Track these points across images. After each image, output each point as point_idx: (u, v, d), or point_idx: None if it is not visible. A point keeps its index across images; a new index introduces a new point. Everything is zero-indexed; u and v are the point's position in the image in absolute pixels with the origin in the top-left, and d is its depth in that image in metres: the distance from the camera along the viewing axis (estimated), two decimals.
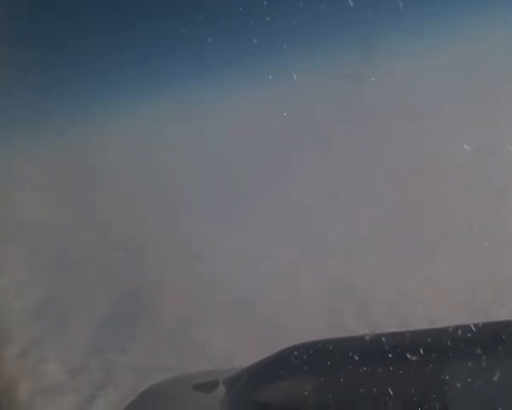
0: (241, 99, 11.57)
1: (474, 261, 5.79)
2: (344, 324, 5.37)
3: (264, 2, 6.01)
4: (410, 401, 1.97)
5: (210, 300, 5.99)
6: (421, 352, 2.01)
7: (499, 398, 1.90)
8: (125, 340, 5.76)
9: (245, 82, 11.34)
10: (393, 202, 7.29)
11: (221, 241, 7.22)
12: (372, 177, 8.08)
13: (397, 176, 7.81)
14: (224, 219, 7.75)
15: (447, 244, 6.15)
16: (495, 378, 1.94)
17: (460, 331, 2.09)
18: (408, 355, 2.02)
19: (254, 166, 8.74)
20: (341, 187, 7.57)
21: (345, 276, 6.10)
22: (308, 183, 8.14)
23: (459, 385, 1.95)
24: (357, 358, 2.09)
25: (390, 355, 2.07)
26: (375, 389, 2.01)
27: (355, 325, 5.28)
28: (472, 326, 2.08)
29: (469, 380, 1.94)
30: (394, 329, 2.31)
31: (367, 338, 2.32)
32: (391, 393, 1.96)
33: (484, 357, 1.97)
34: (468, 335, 2.06)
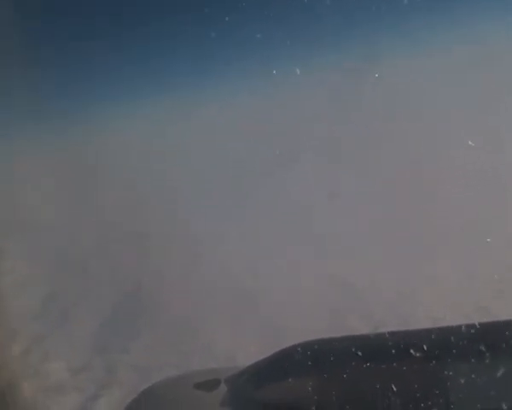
0: (244, 95, 11.55)
1: (475, 261, 5.80)
2: (345, 323, 5.38)
3: None
4: (412, 400, 1.98)
5: (213, 299, 6.00)
6: (423, 350, 2.03)
7: (501, 396, 1.91)
8: (128, 338, 5.78)
9: (248, 77, 11.31)
10: (394, 201, 7.30)
11: (223, 240, 7.24)
12: (373, 176, 8.08)
13: (397, 175, 7.81)
14: (225, 219, 7.76)
15: (448, 243, 6.16)
16: (496, 377, 1.95)
17: (461, 330, 2.10)
18: (410, 353, 2.03)
19: (257, 163, 8.74)
20: (343, 186, 7.58)
21: (345, 276, 6.11)
22: (310, 182, 8.14)
23: (461, 384, 1.96)
24: (358, 356, 2.10)
25: (391, 353, 2.08)
26: (376, 388, 2.02)
27: (356, 325, 5.29)
28: (473, 325, 2.10)
29: (471, 378, 1.96)
30: (395, 328, 2.33)
31: (368, 337, 2.34)
32: (393, 391, 1.97)
33: (486, 355, 1.98)
34: (470, 333, 2.07)
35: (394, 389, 1.96)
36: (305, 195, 7.83)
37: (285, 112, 9.11)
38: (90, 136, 9.97)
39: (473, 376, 1.95)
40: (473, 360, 1.99)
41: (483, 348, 1.97)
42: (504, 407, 1.84)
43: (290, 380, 2.19)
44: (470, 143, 6.46)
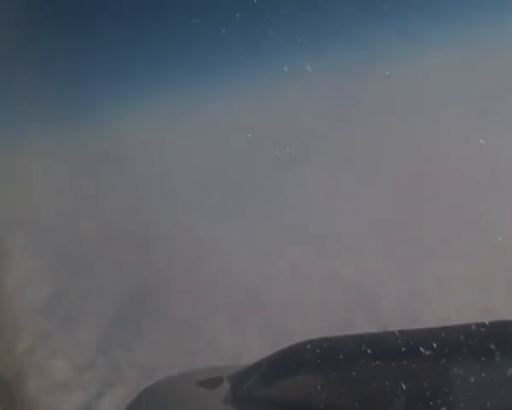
0: (252, 93, 11.50)
1: (483, 261, 5.74)
2: (350, 323, 5.34)
3: None
4: (421, 398, 1.95)
5: (217, 298, 5.99)
6: (433, 348, 2.00)
7: (507, 395, 1.88)
8: (133, 337, 5.77)
9: (256, 75, 11.25)
10: (400, 200, 7.24)
11: (227, 240, 7.22)
12: (380, 176, 8.02)
13: (404, 175, 7.75)
14: (229, 219, 7.74)
15: (456, 243, 6.10)
16: (507, 375, 1.92)
17: (471, 328, 2.08)
18: (419, 351, 2.01)
19: (265, 161, 8.71)
20: (348, 186, 7.54)
21: (349, 276, 6.06)
22: (314, 181, 8.10)
23: (470, 382, 1.93)
24: (363, 355, 2.07)
25: (397, 352, 2.06)
26: (381, 387, 1.99)
27: (362, 324, 5.25)
28: (483, 324, 2.07)
29: (481, 376, 1.93)
30: (401, 328, 2.31)
31: (373, 335, 2.32)
32: (402, 390, 1.94)
33: (496, 354, 1.95)
34: (480, 332, 2.04)
35: (403, 387, 1.93)
36: (309, 194, 7.79)
37: (292, 110, 9.07)
38: (92, 135, 9.98)
39: (482, 374, 1.92)
40: (482, 359, 1.95)
41: (493, 346, 1.94)
42: None
43: (293, 378, 2.18)
44: (481, 141, 6.39)
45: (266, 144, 8.15)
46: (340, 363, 2.11)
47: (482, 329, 2.05)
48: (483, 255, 5.67)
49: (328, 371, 2.13)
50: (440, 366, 1.97)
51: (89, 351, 5.62)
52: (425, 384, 1.93)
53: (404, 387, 1.92)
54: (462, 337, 2.02)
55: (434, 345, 1.98)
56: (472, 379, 1.91)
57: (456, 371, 1.93)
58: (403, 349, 2.06)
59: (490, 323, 2.09)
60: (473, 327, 2.09)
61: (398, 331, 2.19)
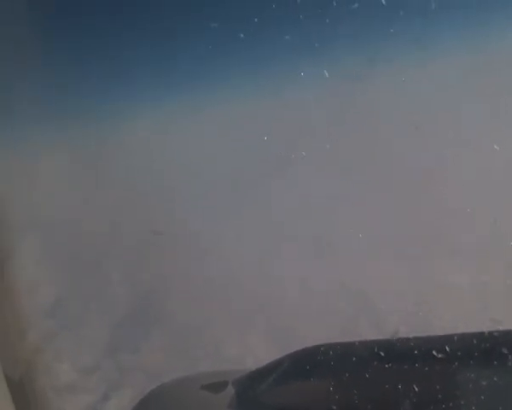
0: (266, 96, 11.51)
1: (496, 267, 5.65)
2: (355, 329, 5.28)
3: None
4: (430, 403, 1.92)
5: (224, 302, 5.96)
6: (446, 353, 1.96)
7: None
8: (139, 340, 5.76)
9: (274, 79, 11.26)
10: (413, 206, 7.17)
11: (233, 243, 7.20)
12: (386, 180, 7.96)
13: (410, 180, 7.68)
14: (236, 221, 7.72)
15: (470, 248, 6.02)
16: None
17: (483, 335, 2.05)
18: (427, 356, 1.97)
19: (268, 164, 8.70)
20: (354, 188, 7.50)
21: (355, 282, 6.00)
22: (322, 183, 8.05)
23: (483, 387, 1.89)
24: (367, 361, 2.04)
25: (410, 357, 2.03)
26: (385, 393, 1.96)
27: (366, 331, 5.19)
28: (495, 331, 2.04)
29: (494, 381, 1.89)
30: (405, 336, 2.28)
31: (385, 341, 2.28)
32: (410, 394, 1.91)
33: (508, 359, 1.90)
34: (493, 338, 2.01)
35: (416, 390, 1.90)
36: (315, 197, 7.75)
37: (305, 113, 9.05)
38: (92, 136, 10.03)
39: (495, 378, 1.88)
40: (495, 363, 1.91)
41: (505, 350, 1.91)
42: None
43: (298, 384, 2.14)
44: (495, 147, 6.30)
45: (278, 146, 8.14)
46: (346, 369, 2.08)
47: (495, 334, 2.02)
48: (496, 261, 5.58)
49: (333, 376, 2.09)
50: (453, 370, 1.93)
51: (95, 353, 5.61)
52: (437, 388, 1.89)
53: (416, 390, 1.90)
54: (474, 342, 1.98)
55: (447, 349, 1.94)
56: (484, 383, 1.88)
57: (468, 375, 1.90)
58: (416, 353, 2.03)
59: (503, 329, 2.07)
60: (485, 333, 2.06)
61: (412, 337, 2.17)
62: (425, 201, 6.96)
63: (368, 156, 8.34)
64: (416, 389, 1.90)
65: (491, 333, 2.05)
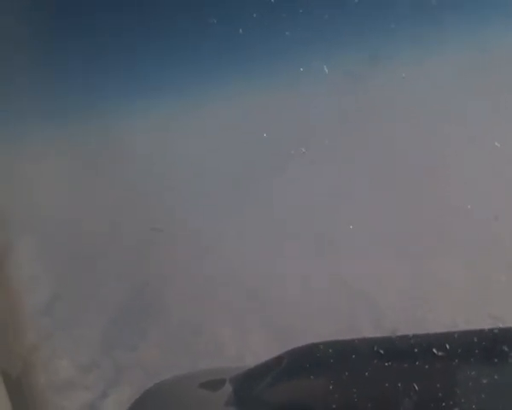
0: (265, 92, 11.46)
1: (491, 266, 5.63)
2: (355, 327, 5.27)
3: None
4: (430, 401, 1.90)
5: (222, 298, 5.95)
6: (443, 351, 1.95)
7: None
8: (136, 337, 5.75)
9: (273, 73, 11.21)
10: (414, 203, 7.15)
11: (231, 240, 7.18)
12: (386, 177, 7.94)
13: (411, 177, 7.66)
14: (235, 218, 7.70)
15: (471, 245, 6.01)
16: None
17: (484, 333, 2.03)
18: (428, 354, 1.95)
19: (268, 161, 8.68)
20: (355, 185, 7.48)
21: (356, 280, 5.98)
22: (323, 180, 8.03)
23: (483, 385, 1.87)
24: (366, 359, 2.02)
25: (410, 354, 2.02)
26: (385, 391, 1.93)
27: (366, 329, 5.18)
28: (496, 328, 2.02)
29: (494, 379, 1.87)
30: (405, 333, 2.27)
31: (385, 339, 2.27)
32: (411, 392, 1.89)
33: (509, 356, 1.89)
34: (493, 335, 1.99)
35: (416, 388, 1.88)
36: (317, 195, 7.73)
37: (305, 109, 9.02)
38: (93, 135, 10.00)
39: (495, 376, 1.86)
40: (496, 361, 1.89)
41: (506, 348, 1.89)
42: None
43: (296, 381, 2.12)
44: (497, 144, 6.28)
45: (278, 143, 8.11)
46: (344, 367, 2.06)
47: (495, 331, 2.00)
48: (497, 257, 5.56)
49: (331, 373, 2.07)
50: (453, 368, 1.91)
51: (93, 351, 5.60)
52: (438, 386, 1.87)
53: (416, 388, 1.88)
54: (475, 339, 1.96)
55: (447, 346, 1.93)
56: (485, 381, 1.86)
57: (468, 372, 1.88)
58: (416, 351, 2.01)
59: (503, 327, 2.05)
60: (486, 331, 2.04)
61: (412, 335, 2.15)
62: (425, 198, 6.94)
63: (368, 153, 8.32)
64: (416, 387, 1.87)
65: (491, 331, 2.03)
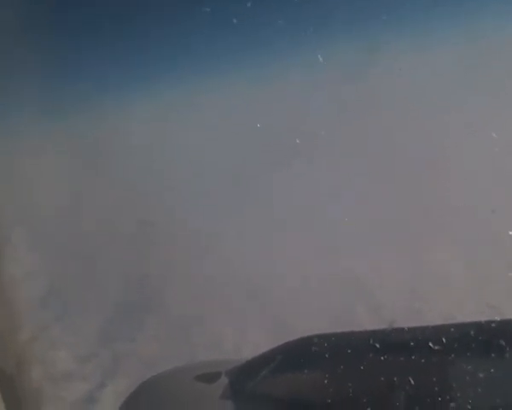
0: (259, 83, 11.39)
1: (490, 258, 5.63)
2: (353, 319, 5.27)
3: None
4: (427, 394, 1.89)
5: (221, 292, 5.93)
6: (442, 344, 1.94)
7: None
8: (134, 329, 5.74)
9: (267, 64, 11.12)
10: (411, 196, 7.13)
11: (230, 236, 7.15)
12: (386, 172, 7.90)
13: (411, 171, 7.62)
14: (234, 215, 7.66)
15: (468, 238, 6.00)
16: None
17: (480, 325, 2.02)
18: (424, 348, 1.94)
19: (265, 159, 8.64)
20: (354, 178, 7.45)
21: (354, 272, 5.97)
22: (321, 177, 8.00)
23: (479, 378, 1.86)
24: (362, 352, 2.01)
25: (406, 348, 2.01)
26: (378, 384, 1.93)
27: (364, 321, 5.17)
28: (493, 320, 2.01)
29: (490, 372, 1.86)
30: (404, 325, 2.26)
31: (381, 332, 2.26)
32: (406, 386, 1.88)
33: (505, 350, 1.88)
34: (489, 328, 1.97)
35: (412, 382, 1.87)
36: (315, 190, 7.69)
37: (299, 100, 8.95)
38: (91, 129, 9.94)
39: (492, 370, 1.85)
40: (492, 355, 1.89)
41: (503, 342, 1.88)
42: None
43: (291, 374, 2.12)
44: (494, 135, 6.25)
45: (272, 135, 8.07)
46: (338, 359, 2.05)
47: (492, 325, 1.99)
48: (495, 250, 5.55)
49: (326, 367, 2.06)
50: (449, 362, 1.90)
51: (91, 342, 5.60)
52: (434, 380, 1.86)
53: (412, 382, 1.87)
54: (471, 333, 1.95)
55: (444, 340, 1.91)
56: (481, 375, 1.85)
57: (465, 366, 1.87)
58: (412, 345, 2.00)
59: (500, 320, 2.04)
60: (482, 324, 2.03)
61: (407, 328, 2.13)
62: (423, 191, 6.92)
63: (365, 146, 8.28)
64: (412, 380, 1.87)
65: (488, 323, 2.02)
